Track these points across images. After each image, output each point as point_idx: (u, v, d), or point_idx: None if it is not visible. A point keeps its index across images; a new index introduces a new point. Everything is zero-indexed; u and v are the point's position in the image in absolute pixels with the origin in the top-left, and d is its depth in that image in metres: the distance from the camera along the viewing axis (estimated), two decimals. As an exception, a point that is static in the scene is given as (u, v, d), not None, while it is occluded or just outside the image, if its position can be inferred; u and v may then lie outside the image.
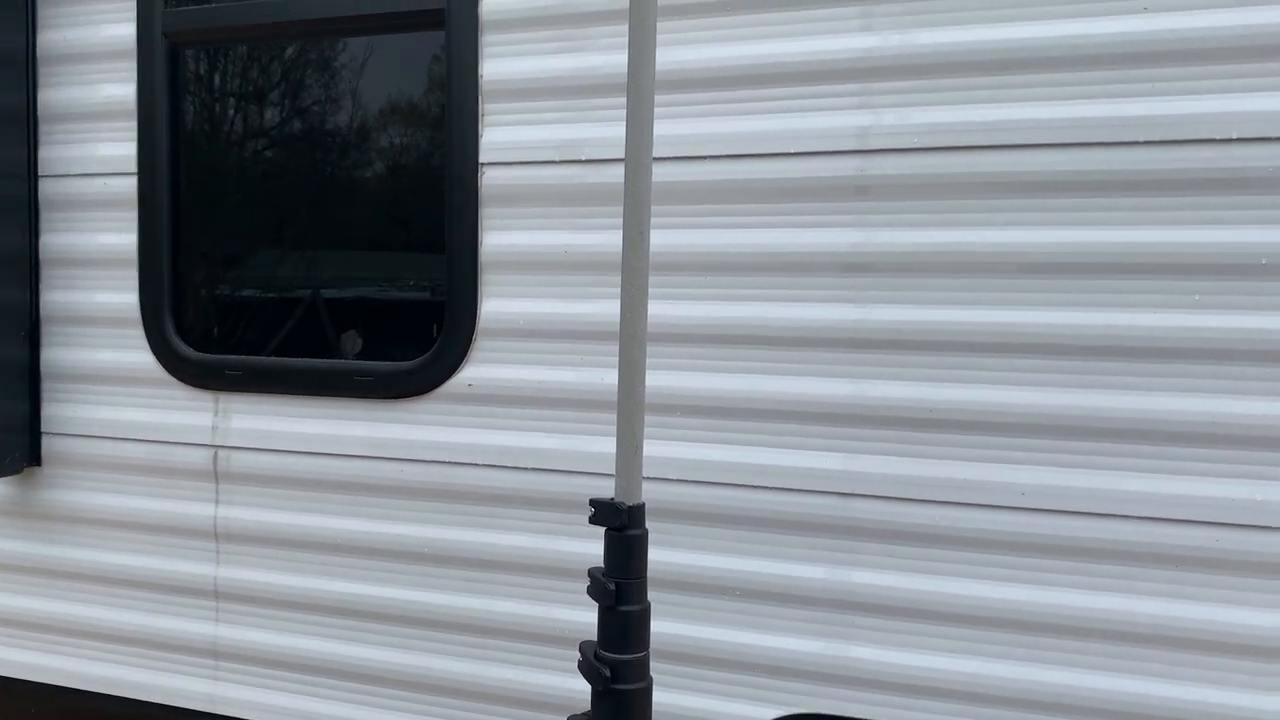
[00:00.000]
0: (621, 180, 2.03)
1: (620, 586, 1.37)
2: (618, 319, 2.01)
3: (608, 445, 2.04)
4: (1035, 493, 1.85)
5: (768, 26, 1.97)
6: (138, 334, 2.41)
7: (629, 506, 1.38)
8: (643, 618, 1.39)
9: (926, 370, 1.90)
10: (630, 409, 1.42)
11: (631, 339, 1.43)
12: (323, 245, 2.38)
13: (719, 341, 2.02)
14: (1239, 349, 1.75)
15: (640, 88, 1.45)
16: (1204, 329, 1.76)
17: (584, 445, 2.09)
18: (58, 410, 2.51)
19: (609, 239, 2.08)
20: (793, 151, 1.97)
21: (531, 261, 2.13)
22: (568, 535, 2.11)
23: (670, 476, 2.04)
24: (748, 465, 2.00)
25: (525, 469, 2.14)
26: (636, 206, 1.45)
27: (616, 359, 1.99)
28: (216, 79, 2.45)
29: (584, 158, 2.10)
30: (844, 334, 1.94)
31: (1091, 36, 1.80)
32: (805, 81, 1.96)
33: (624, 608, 1.37)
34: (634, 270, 1.45)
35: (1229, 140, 1.75)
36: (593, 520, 1.41)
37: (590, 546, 2.07)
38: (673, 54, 2.01)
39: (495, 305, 2.16)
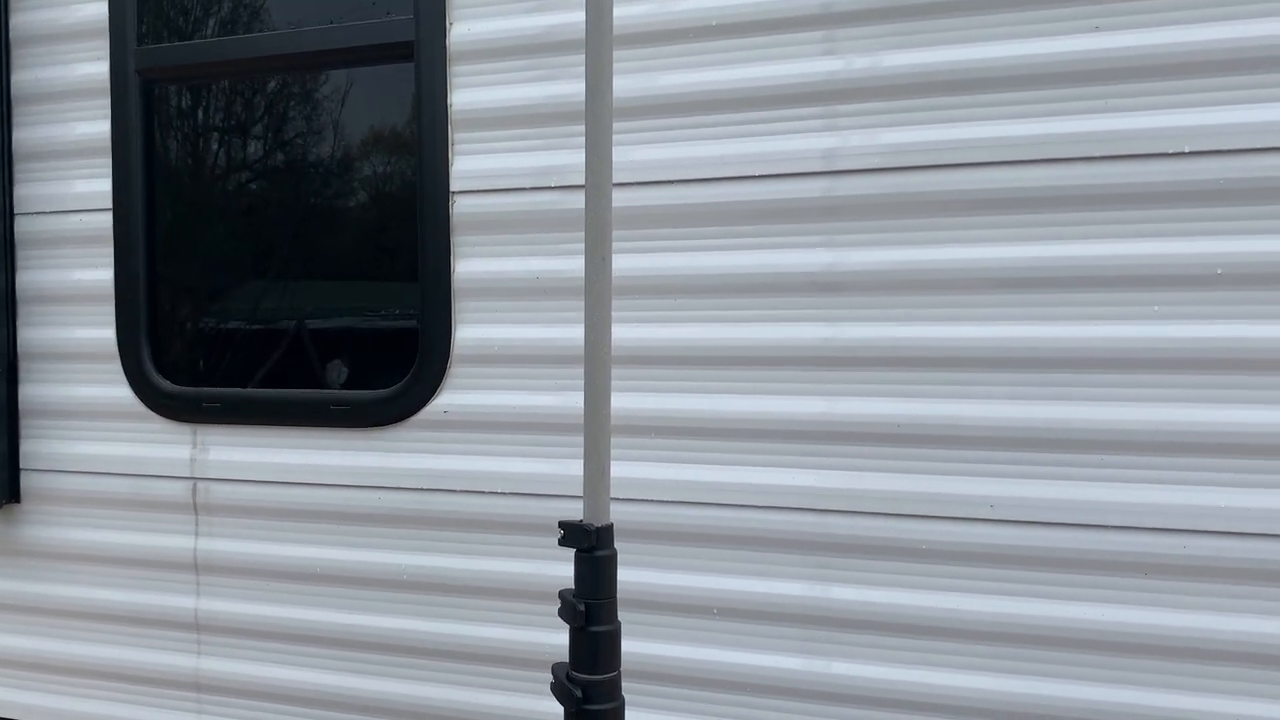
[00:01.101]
0: (574, 207, 2.07)
1: (590, 607, 1.39)
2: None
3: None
4: (1004, 505, 1.87)
5: (732, 52, 2.00)
6: (115, 368, 2.42)
7: (597, 528, 1.40)
8: (613, 638, 1.41)
9: (896, 386, 1.93)
10: (596, 431, 1.44)
11: (596, 362, 1.45)
12: (297, 276, 2.40)
13: (689, 363, 2.04)
14: (1199, 358, 1.78)
15: (598, 113, 1.48)
16: (1164, 339, 1.79)
17: (561, 469, 2.11)
18: (36, 446, 2.51)
19: (580, 264, 2.10)
20: (760, 174, 2.00)
21: (504, 288, 2.15)
22: (547, 559, 2.12)
23: (641, 497, 2.05)
24: (721, 484, 2.02)
25: (503, 494, 2.16)
26: (598, 231, 1.48)
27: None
28: (190, 114, 2.47)
29: (553, 184, 2.12)
30: (814, 352, 1.97)
31: (1047, 55, 1.84)
32: (771, 105, 1.99)
33: (594, 628, 1.39)
34: (597, 295, 1.47)
35: (1182, 154, 1.78)
36: (561, 542, 1.42)
37: (567, 570, 2.08)
38: (636, 81, 2.04)
39: (469, 332, 2.18)
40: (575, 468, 2.08)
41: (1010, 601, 1.88)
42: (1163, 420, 1.79)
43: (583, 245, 2.08)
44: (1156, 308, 1.80)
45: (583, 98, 2.07)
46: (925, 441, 1.91)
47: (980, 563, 1.89)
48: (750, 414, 2.00)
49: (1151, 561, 1.80)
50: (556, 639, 2.10)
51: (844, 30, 1.95)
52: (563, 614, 1.42)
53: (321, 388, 2.34)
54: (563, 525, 1.42)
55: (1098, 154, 1.82)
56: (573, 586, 1.44)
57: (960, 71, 1.88)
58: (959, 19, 1.88)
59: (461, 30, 2.16)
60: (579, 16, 2.07)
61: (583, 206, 2.07)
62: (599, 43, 1.48)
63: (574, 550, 1.42)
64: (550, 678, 1.46)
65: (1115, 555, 1.82)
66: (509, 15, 2.13)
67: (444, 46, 2.16)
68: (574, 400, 2.10)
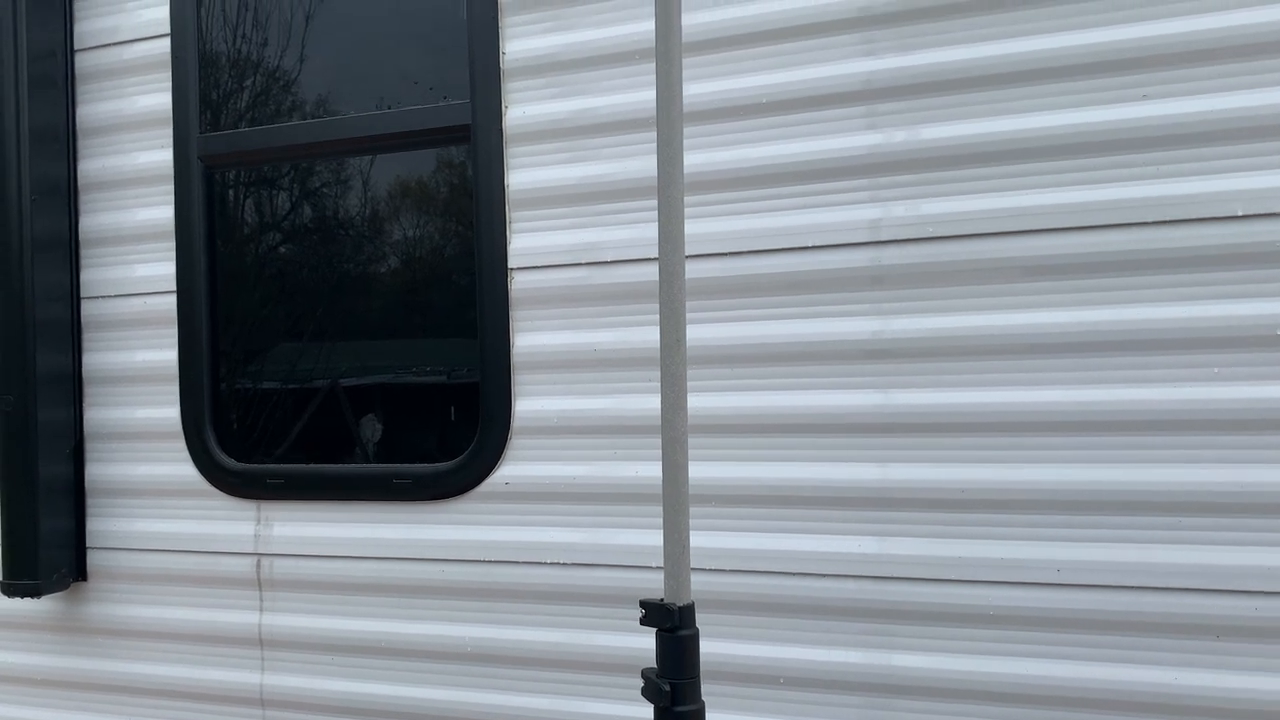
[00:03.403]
0: (643, 279, 2.12)
1: (675, 687, 1.40)
2: (648, 411, 2.08)
3: (646, 538, 2.08)
4: (1070, 568, 1.88)
5: (781, 128, 2.05)
6: (179, 447, 2.47)
7: (679, 607, 1.42)
8: (698, 718, 1.42)
9: (950, 452, 1.95)
10: (676, 510, 1.47)
11: (674, 443, 1.48)
12: (356, 355, 2.45)
13: (746, 431, 2.06)
14: (1261, 419, 1.79)
15: (670, 194, 1.53)
16: (1225, 400, 1.80)
17: (623, 539, 2.13)
18: (102, 525, 2.56)
19: (634, 335, 2.14)
20: (810, 245, 2.04)
21: (562, 360, 2.19)
22: (612, 630, 2.14)
23: (704, 566, 2.07)
24: (783, 552, 2.04)
25: (566, 564, 2.18)
26: (673, 312, 1.52)
27: (649, 451, 2.05)
28: (251, 197, 2.55)
29: (609, 259, 2.17)
30: (868, 419, 1.99)
31: (1094, 124, 1.88)
32: (818, 179, 2.03)
33: (679, 709, 1.40)
34: (673, 376, 1.51)
35: (1235, 217, 1.81)
36: (643, 621, 1.45)
37: (631, 640, 2.09)
38: (694, 157, 2.09)
39: (529, 404, 2.22)
40: (638, 538, 2.12)
41: (1078, 666, 1.88)
42: (1229, 481, 1.80)
43: (640, 317, 2.14)
44: (1216, 370, 1.82)
45: (635, 175, 2.14)
46: (986, 506, 1.92)
47: (1048, 627, 1.89)
48: (807, 482, 2.02)
49: (1223, 624, 1.80)
50: (626, 711, 2.11)
51: (885, 104, 1.99)
52: (646, 694, 1.43)
53: (383, 461, 2.38)
54: (644, 605, 1.44)
55: (1148, 219, 1.85)
56: (654, 665, 1.45)
57: (1006, 141, 1.92)
58: (1007, 90, 1.92)
59: (517, 113, 2.23)
60: (631, 98, 2.14)
61: (638, 279, 2.14)
62: (669, 124, 1.55)
63: (655, 629, 1.44)
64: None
65: (1187, 618, 1.82)
66: (563, 98, 2.19)
67: (500, 130, 2.23)
68: (634, 470, 2.13)
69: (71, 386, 2.56)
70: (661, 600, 1.44)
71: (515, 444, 2.22)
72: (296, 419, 2.47)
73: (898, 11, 1.98)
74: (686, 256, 2.07)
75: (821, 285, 2.03)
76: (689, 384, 2.08)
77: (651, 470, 2.01)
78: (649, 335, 2.12)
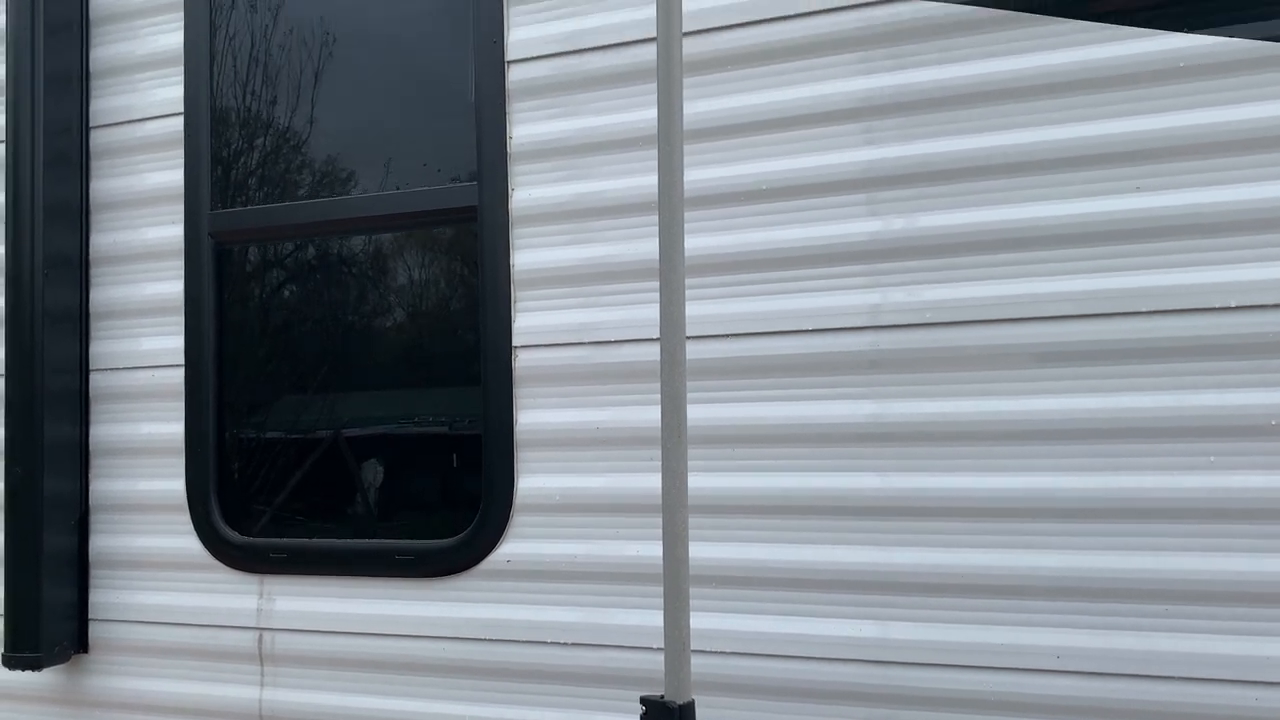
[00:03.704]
0: (644, 359, 2.14)
1: (675, 784, 1.41)
2: (651, 492, 2.09)
3: (647, 618, 2.09)
4: (1070, 655, 1.88)
5: (781, 214, 2.09)
6: (184, 520, 2.49)
7: (679, 705, 1.43)
8: (698, 813, 1.43)
9: (948, 536, 1.96)
10: (676, 603, 1.48)
11: (674, 530, 1.50)
12: (362, 430, 2.48)
13: (746, 513, 2.08)
14: (1255, 508, 1.80)
15: (672, 276, 1.56)
16: (1218, 490, 1.82)
17: (624, 619, 2.14)
18: (104, 597, 2.57)
19: (636, 414, 2.16)
20: (809, 329, 2.07)
21: (564, 439, 2.22)
22: (611, 711, 2.13)
23: (706, 649, 2.07)
24: (781, 635, 2.04)
25: (566, 644, 2.18)
26: (673, 393, 1.54)
27: (650, 530, 2.06)
28: (260, 274, 2.58)
29: (610, 339, 2.20)
30: (866, 502, 2.01)
31: (1088, 215, 1.91)
32: (818, 264, 2.07)
33: (679, 805, 1.41)
34: (674, 456, 1.53)
35: (1227, 309, 1.84)
36: (644, 719, 1.45)
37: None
38: (695, 240, 2.12)
39: (531, 481, 2.23)
40: (639, 618, 2.12)
41: (1080, 753, 1.88)
42: (1227, 570, 1.81)
43: (641, 397, 2.17)
44: (1211, 458, 1.83)
45: (637, 257, 2.18)
46: (985, 591, 1.93)
47: (1048, 713, 1.89)
48: (807, 564, 2.03)
49: (1222, 714, 1.80)
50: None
51: (885, 192, 2.03)
52: (646, 787, 1.44)
53: (386, 536, 2.39)
54: (644, 702, 1.45)
55: (1144, 309, 1.88)
56: (654, 758, 1.46)
57: (1003, 231, 1.95)
58: (1003, 180, 1.96)
59: (523, 195, 2.27)
60: (634, 182, 2.18)
61: (640, 359, 2.16)
62: (671, 209, 1.59)
63: (653, 722, 1.45)
64: None
65: (1184, 706, 1.82)
66: (568, 182, 2.23)
67: (506, 211, 2.27)
68: (635, 549, 2.14)
69: (78, 457, 2.58)
70: (662, 697, 1.45)
71: (517, 521, 2.24)
72: (300, 493, 2.49)
73: (898, 102, 2.03)
74: (687, 338, 2.12)
75: (820, 369, 2.05)
76: (689, 464, 2.10)
77: (652, 550, 2.02)
78: (650, 415, 2.13)
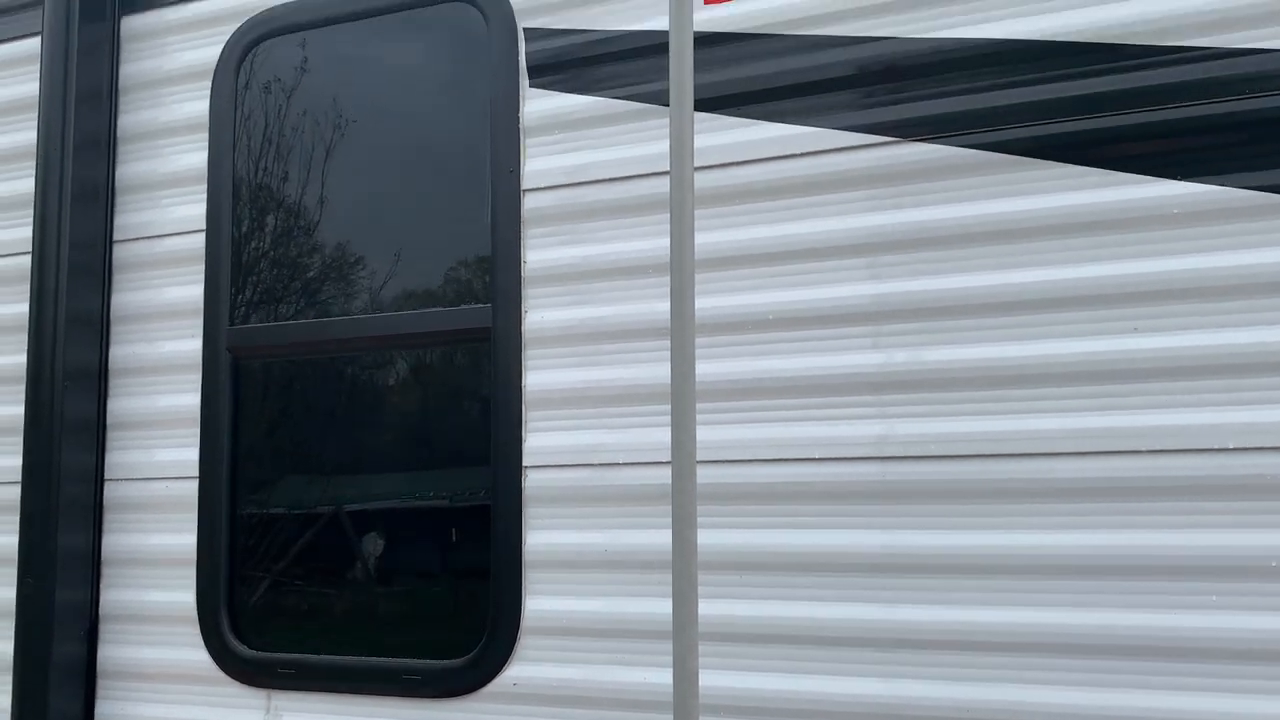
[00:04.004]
0: (654, 481, 2.17)
1: None
2: (658, 617, 2.11)
3: (654, 745, 2.09)
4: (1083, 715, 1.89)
5: (790, 343, 2.14)
6: (193, 632, 2.50)
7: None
8: None
9: (954, 670, 1.97)
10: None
11: (684, 672, 1.52)
12: (373, 550, 2.50)
13: (756, 640, 2.09)
14: (1256, 649, 1.82)
15: (682, 401, 1.61)
16: (1219, 630, 1.84)
17: (629, 744, 2.14)
18: (111, 708, 2.57)
19: (644, 537, 2.19)
20: (818, 457, 2.11)
21: (572, 561, 2.24)
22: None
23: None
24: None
25: (572, 769, 2.18)
26: (683, 517, 1.58)
27: (658, 657, 2.07)
28: (276, 388, 2.63)
29: (619, 460, 2.23)
30: (876, 633, 2.02)
31: (1089, 353, 1.96)
32: (825, 393, 2.11)
33: None
34: (684, 580, 1.56)
35: (1225, 450, 1.88)
36: None
37: None
38: (701, 366, 2.17)
39: (539, 603, 2.25)
40: (649, 749, 2.12)
41: None
42: (1226, 712, 1.82)
43: (650, 519, 2.19)
44: (1214, 598, 1.86)
45: (647, 381, 2.22)
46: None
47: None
48: (814, 694, 2.04)
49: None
50: None
51: (889, 325, 2.08)
52: None
53: (393, 655, 2.40)
54: None
55: (1144, 448, 1.92)
56: None
57: (1005, 368, 2.00)
58: (1007, 318, 2.01)
59: (535, 318, 2.32)
60: (644, 308, 2.23)
61: (649, 482, 2.19)
62: (682, 333, 1.63)
63: None
64: None
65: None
66: (580, 306, 2.29)
67: (519, 333, 2.32)
68: (642, 675, 2.15)
69: (91, 568, 2.60)
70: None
71: (524, 644, 2.25)
72: (309, 608, 2.50)
73: (904, 240, 2.08)
74: (700, 462, 2.16)
75: (828, 496, 2.09)
76: (699, 589, 2.12)
77: (660, 677, 2.04)
78: (658, 538, 2.16)
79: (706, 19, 2.18)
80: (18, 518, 2.59)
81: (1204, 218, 1.91)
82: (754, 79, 2.21)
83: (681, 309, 1.69)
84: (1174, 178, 1.94)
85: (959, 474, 2.01)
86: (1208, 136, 1.93)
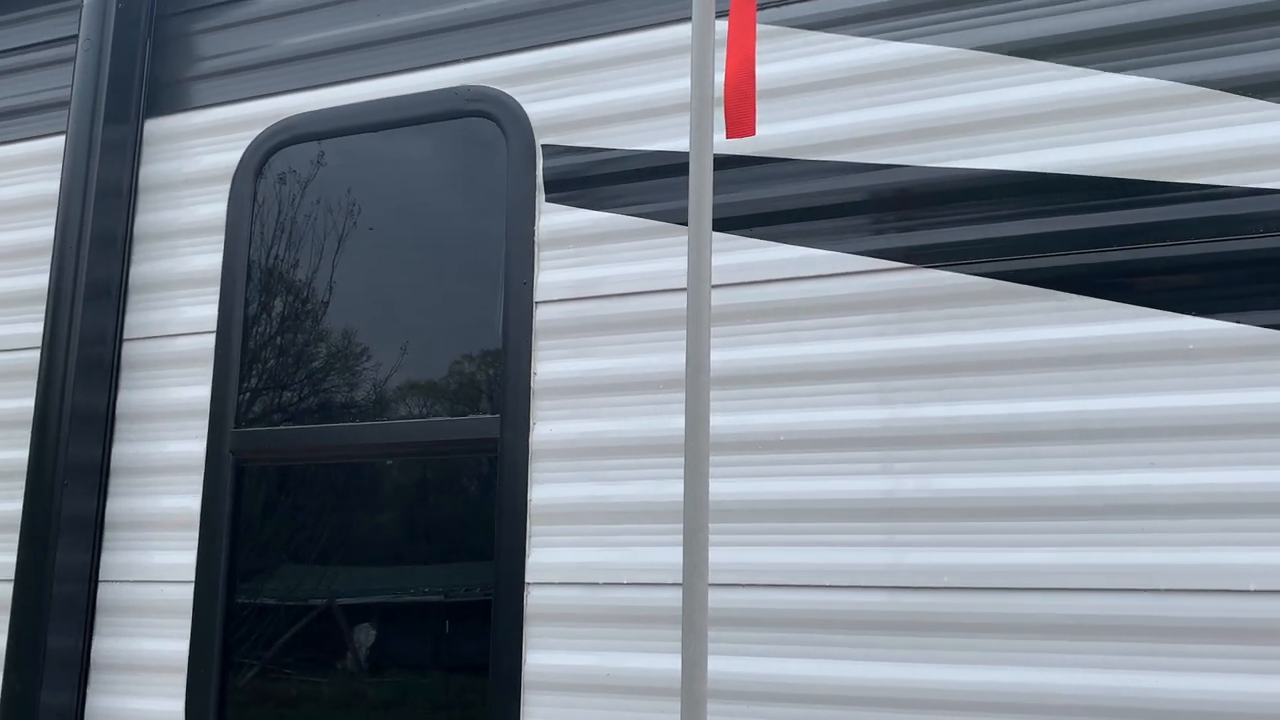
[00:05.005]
0: (662, 603, 2.12)
1: None
2: (660, 743, 2.05)
3: None
4: None
5: (803, 465, 2.11)
6: (180, 742, 2.43)
7: None
8: None
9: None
10: None
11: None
12: (368, 657, 2.44)
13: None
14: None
15: (695, 520, 1.57)
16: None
17: None
18: (92, 821, 2.49)
19: (652, 662, 2.13)
20: (830, 584, 2.06)
21: (574, 683, 2.18)
22: None
23: None
24: None
25: None
26: (694, 640, 1.53)
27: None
28: (277, 493, 2.60)
29: (625, 580, 2.19)
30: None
31: (1104, 487, 1.93)
32: (836, 518, 2.08)
33: None
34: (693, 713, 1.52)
35: (1246, 591, 1.83)
36: None
37: None
38: (720, 485, 2.14)
39: (537, 726, 2.19)
40: None
41: None
42: None
43: (658, 644, 2.14)
44: (1229, 748, 1.80)
45: (656, 499, 2.19)
46: None
47: None
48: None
49: None
50: None
51: (900, 452, 2.06)
52: None
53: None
54: None
55: (1163, 586, 1.87)
56: None
57: (1025, 499, 1.97)
58: (1017, 448, 1.99)
59: (543, 430, 2.30)
60: (654, 423, 2.21)
61: (652, 603, 2.15)
62: (696, 450, 1.60)
63: None
64: None
65: None
66: (588, 419, 2.27)
67: (526, 445, 2.29)
68: (644, 807, 2.08)
69: (79, 671, 2.54)
70: None
71: (522, 768, 2.18)
72: (304, 715, 2.43)
73: (915, 365, 2.07)
74: (714, 585, 2.12)
75: (839, 625, 2.04)
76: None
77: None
78: (666, 664, 2.10)
79: (723, 140, 2.21)
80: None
81: (1222, 354, 1.90)
82: (768, 200, 2.23)
83: (696, 427, 1.66)
84: (1190, 313, 1.93)
85: (971, 607, 1.96)
86: (1227, 272, 1.93)
